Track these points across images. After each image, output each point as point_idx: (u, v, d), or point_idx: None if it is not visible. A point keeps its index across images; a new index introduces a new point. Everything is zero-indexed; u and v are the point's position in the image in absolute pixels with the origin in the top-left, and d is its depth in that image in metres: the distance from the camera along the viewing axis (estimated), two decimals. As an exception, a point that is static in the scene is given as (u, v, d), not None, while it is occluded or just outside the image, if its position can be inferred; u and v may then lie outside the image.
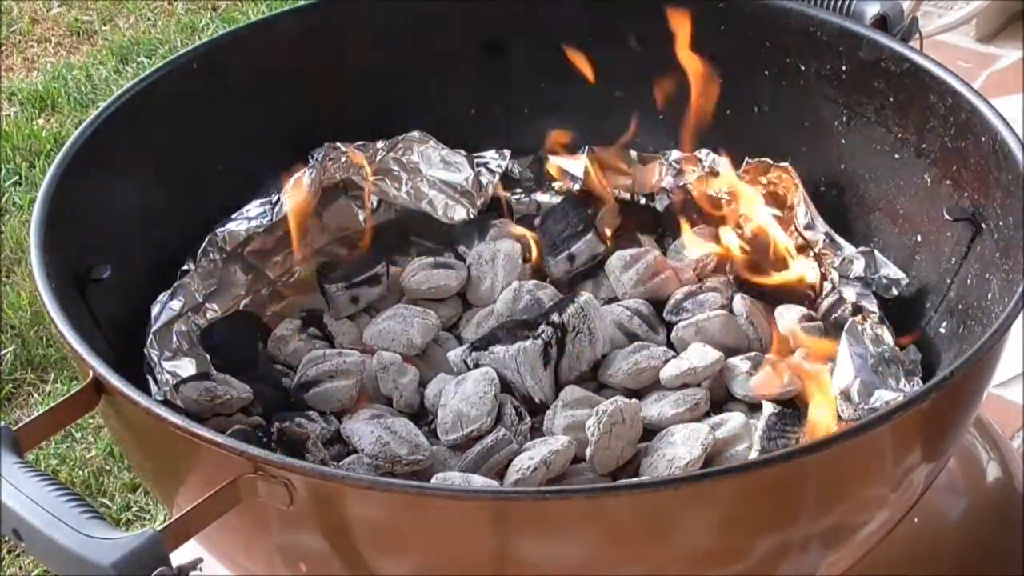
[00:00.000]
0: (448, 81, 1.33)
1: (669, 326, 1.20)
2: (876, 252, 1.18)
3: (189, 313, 1.17)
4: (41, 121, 2.49)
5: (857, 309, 1.15)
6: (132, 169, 1.17)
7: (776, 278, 1.22)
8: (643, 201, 1.35)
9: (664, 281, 1.24)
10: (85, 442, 1.78)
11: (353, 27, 1.31)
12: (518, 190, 1.37)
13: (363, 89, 1.32)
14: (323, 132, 1.28)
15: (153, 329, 1.13)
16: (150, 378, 1.10)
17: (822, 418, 1.05)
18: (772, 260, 1.23)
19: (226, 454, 0.84)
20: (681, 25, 1.22)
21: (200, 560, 0.83)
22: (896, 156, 1.20)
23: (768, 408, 1.09)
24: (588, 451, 1.04)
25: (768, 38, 1.26)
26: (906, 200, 1.19)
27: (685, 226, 1.29)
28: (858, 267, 1.18)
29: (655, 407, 1.10)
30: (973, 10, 2.23)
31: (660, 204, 1.34)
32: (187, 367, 1.12)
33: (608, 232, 1.30)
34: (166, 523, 0.82)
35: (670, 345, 1.19)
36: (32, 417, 0.92)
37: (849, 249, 1.20)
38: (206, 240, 1.20)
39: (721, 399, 1.14)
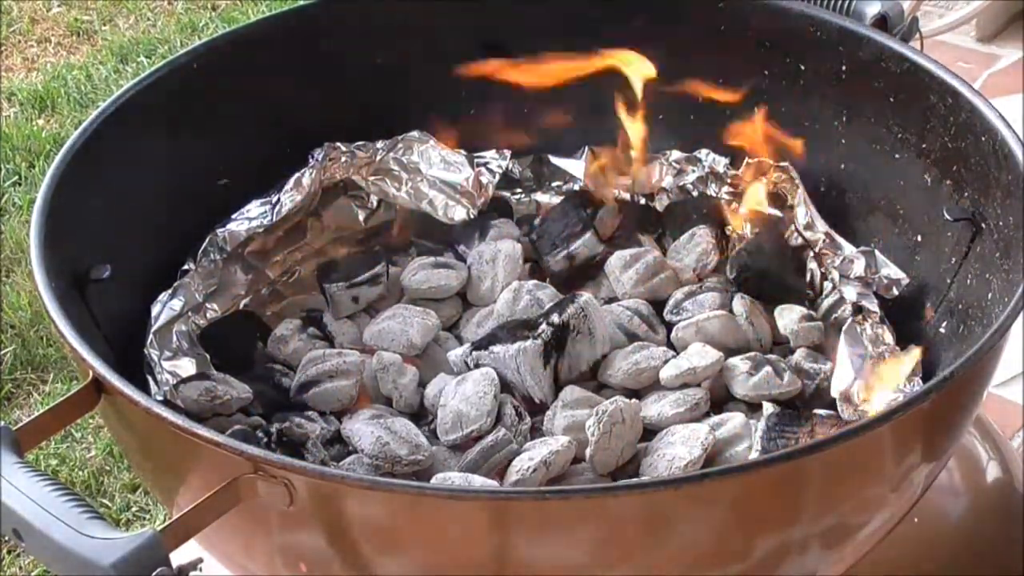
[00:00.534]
0: (448, 81, 1.33)
1: (669, 326, 1.20)
2: (876, 252, 1.18)
3: (189, 313, 1.17)
4: (41, 121, 2.49)
5: (858, 309, 1.15)
6: (132, 169, 1.17)
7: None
8: (643, 201, 1.35)
9: (664, 281, 1.24)
10: (85, 442, 1.78)
11: (353, 27, 1.31)
12: (518, 190, 1.38)
13: (363, 89, 1.32)
14: (323, 132, 1.28)
15: (153, 329, 1.13)
16: (150, 378, 1.10)
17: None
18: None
19: (226, 454, 0.84)
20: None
21: (200, 560, 0.83)
22: (896, 156, 1.20)
23: (768, 408, 1.09)
24: (588, 451, 1.04)
25: (768, 38, 1.26)
26: (906, 200, 1.19)
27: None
28: (858, 267, 1.18)
29: (655, 407, 1.10)
30: (973, 10, 2.23)
31: (660, 204, 1.34)
32: (187, 367, 1.12)
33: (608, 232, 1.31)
34: (166, 523, 0.82)
35: (670, 345, 1.18)
36: (32, 417, 0.92)
37: (849, 249, 1.20)
38: (206, 240, 1.20)
39: (721, 399, 1.14)
